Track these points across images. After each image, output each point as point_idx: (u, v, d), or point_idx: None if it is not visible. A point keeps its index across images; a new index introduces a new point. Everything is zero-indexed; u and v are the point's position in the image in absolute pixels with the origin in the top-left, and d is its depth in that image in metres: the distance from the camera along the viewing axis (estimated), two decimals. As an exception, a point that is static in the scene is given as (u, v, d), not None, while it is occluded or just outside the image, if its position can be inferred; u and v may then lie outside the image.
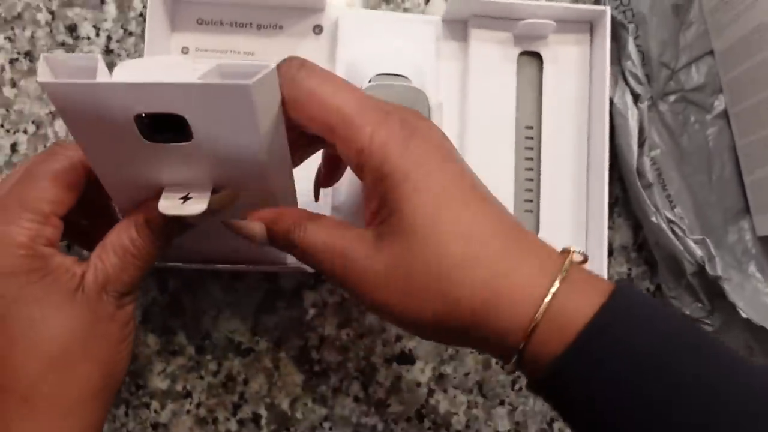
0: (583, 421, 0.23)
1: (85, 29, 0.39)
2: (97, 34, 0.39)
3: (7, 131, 0.39)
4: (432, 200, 0.23)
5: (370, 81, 0.36)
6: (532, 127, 0.40)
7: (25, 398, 0.25)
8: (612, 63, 0.40)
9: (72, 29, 0.39)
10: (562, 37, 0.40)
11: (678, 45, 0.42)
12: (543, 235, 0.39)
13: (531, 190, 0.40)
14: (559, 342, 0.22)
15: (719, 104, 0.42)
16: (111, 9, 0.40)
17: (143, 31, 0.39)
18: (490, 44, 0.40)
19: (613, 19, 0.40)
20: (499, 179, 0.39)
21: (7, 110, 0.39)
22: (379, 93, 0.33)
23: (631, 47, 0.39)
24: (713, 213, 0.41)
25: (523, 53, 0.40)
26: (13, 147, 0.39)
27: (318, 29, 0.39)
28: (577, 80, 0.41)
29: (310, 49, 0.39)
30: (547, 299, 0.22)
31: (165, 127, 0.22)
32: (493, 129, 0.39)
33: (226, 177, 0.25)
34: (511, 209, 0.39)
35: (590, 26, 0.40)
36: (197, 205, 0.24)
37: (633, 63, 0.39)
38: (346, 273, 0.24)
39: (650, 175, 0.39)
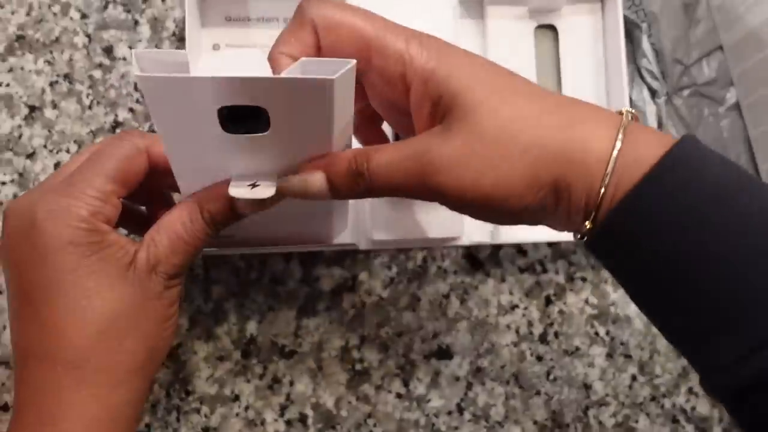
0: (647, 261, 0.24)
1: (121, 50, 0.41)
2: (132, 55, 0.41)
3: (50, 151, 0.40)
4: (487, 77, 0.25)
5: None
6: None
7: (76, 367, 0.26)
8: (628, 61, 0.41)
9: (108, 51, 0.41)
10: (575, 7, 0.42)
11: (689, 41, 0.43)
12: None
13: None
14: (633, 179, 0.23)
15: (731, 97, 0.44)
16: (144, 29, 0.41)
17: (177, 48, 0.41)
18: (507, 20, 0.41)
19: (627, 19, 0.41)
20: None
21: (49, 131, 0.40)
22: None
23: (646, 45, 0.41)
24: (731, 201, 0.43)
25: (539, 26, 0.42)
26: (57, 166, 0.40)
27: None
28: (593, 47, 0.42)
29: None
30: (619, 142, 0.23)
31: (243, 118, 0.24)
32: None
33: (293, 165, 0.26)
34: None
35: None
36: (266, 190, 0.26)
37: (648, 60, 0.41)
38: (425, 172, 0.25)
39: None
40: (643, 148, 0.23)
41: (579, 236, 0.26)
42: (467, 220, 0.40)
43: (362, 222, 0.39)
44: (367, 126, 0.33)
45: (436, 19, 0.41)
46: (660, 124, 0.40)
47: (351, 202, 0.34)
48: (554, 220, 0.26)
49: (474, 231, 0.41)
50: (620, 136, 0.23)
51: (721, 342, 0.23)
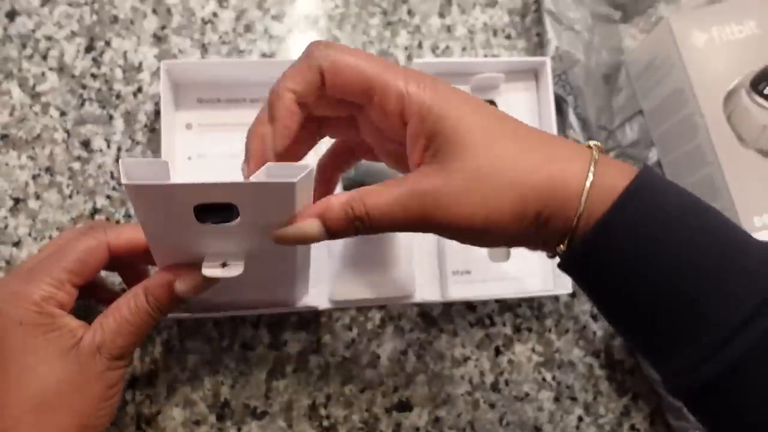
0: (612, 280, 0.27)
1: (98, 143, 0.45)
2: (108, 146, 0.45)
3: (35, 239, 0.44)
4: (479, 118, 0.28)
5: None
6: None
7: None
8: (558, 132, 0.46)
9: (86, 144, 0.45)
10: (512, 85, 0.47)
11: (612, 108, 0.48)
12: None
13: None
14: (602, 208, 0.26)
15: (653, 156, 0.48)
16: (119, 123, 0.45)
17: (149, 140, 0.45)
18: None
19: (555, 94, 0.46)
20: None
21: (33, 220, 0.44)
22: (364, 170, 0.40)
23: (572, 118, 0.45)
24: (659, 250, 0.47)
25: None
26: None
27: None
28: (529, 119, 0.46)
29: None
30: (591, 175, 0.27)
31: (215, 209, 0.28)
32: None
33: (258, 247, 0.30)
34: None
35: (535, 74, 0.47)
36: (236, 269, 0.30)
37: (574, 131, 0.45)
38: (426, 209, 0.28)
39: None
40: (610, 180, 0.27)
41: (552, 256, 0.30)
42: (418, 279, 0.44)
43: (322, 285, 0.43)
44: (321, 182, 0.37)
45: None
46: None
47: (311, 266, 0.38)
48: (533, 243, 0.30)
49: (426, 289, 0.45)
50: (591, 169, 0.27)
51: (679, 351, 0.26)
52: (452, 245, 0.45)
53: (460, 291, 0.44)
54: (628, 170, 0.28)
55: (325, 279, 0.43)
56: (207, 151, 0.44)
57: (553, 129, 0.44)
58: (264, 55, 0.47)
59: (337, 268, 0.43)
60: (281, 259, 0.33)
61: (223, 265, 0.30)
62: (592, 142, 0.29)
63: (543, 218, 0.27)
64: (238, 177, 0.30)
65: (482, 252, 0.45)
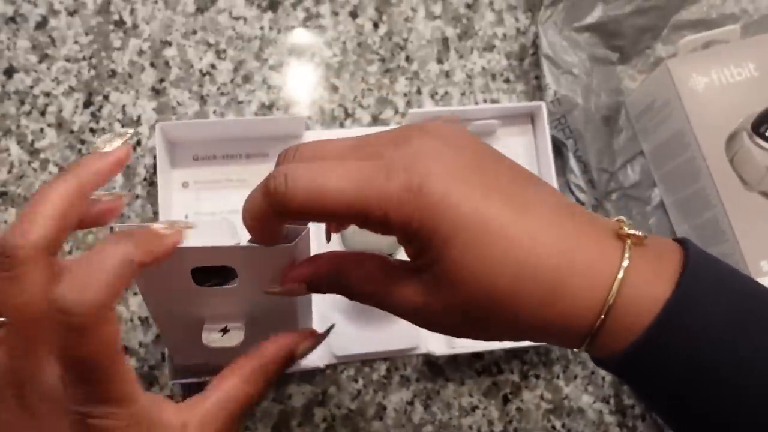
0: (662, 397, 0.23)
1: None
2: (108, 201, 0.45)
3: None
4: (468, 236, 0.22)
5: None
6: None
7: None
8: (558, 176, 0.46)
9: (85, 199, 0.45)
10: (509, 129, 0.47)
11: (613, 150, 0.48)
12: None
13: None
14: (635, 324, 0.22)
15: (656, 196, 0.48)
16: (118, 177, 0.45)
17: (148, 194, 0.45)
18: None
19: (554, 138, 0.46)
20: None
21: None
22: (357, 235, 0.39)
23: (572, 162, 0.45)
24: (665, 292, 0.47)
25: None
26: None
27: None
28: (527, 163, 0.46)
29: None
30: (615, 286, 0.22)
31: (214, 272, 0.27)
32: None
33: (258, 306, 0.30)
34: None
35: (531, 118, 0.47)
36: (236, 338, 0.30)
37: (575, 175, 0.45)
38: (404, 313, 0.25)
39: (605, 269, 0.45)
40: (645, 286, 0.22)
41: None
42: (423, 330, 0.44)
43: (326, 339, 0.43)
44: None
45: None
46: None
47: (314, 320, 0.37)
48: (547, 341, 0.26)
49: (431, 340, 0.44)
50: (619, 279, 0.22)
51: None
52: None
53: (465, 341, 0.44)
54: (669, 269, 0.23)
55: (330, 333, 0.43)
56: (204, 209, 0.44)
57: (552, 173, 0.44)
58: (263, 105, 0.47)
59: (340, 322, 0.43)
60: (282, 314, 0.32)
61: (224, 331, 0.30)
62: (626, 228, 0.24)
63: (554, 329, 0.24)
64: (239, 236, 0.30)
65: None
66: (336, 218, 0.24)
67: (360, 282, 0.26)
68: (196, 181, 0.45)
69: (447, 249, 0.23)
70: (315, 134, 0.46)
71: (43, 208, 0.25)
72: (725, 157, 0.42)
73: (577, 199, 0.45)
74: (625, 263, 0.22)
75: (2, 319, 0.24)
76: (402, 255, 0.26)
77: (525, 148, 0.46)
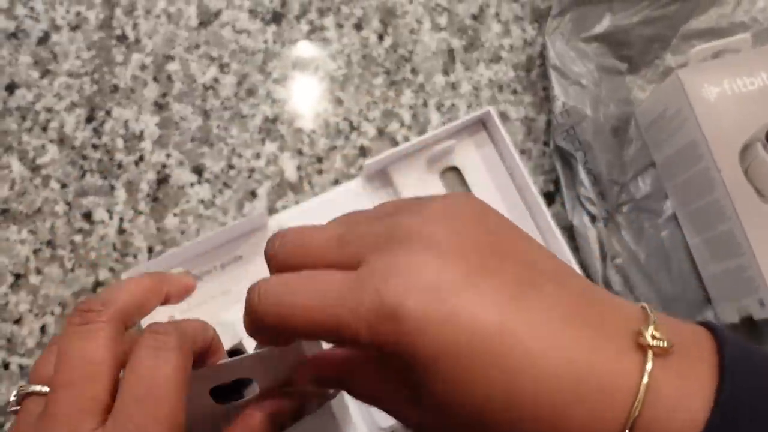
0: None
1: (99, 214, 0.44)
2: (111, 217, 0.44)
3: (36, 315, 0.43)
4: (450, 362, 0.20)
5: None
6: None
7: None
8: (568, 188, 0.45)
9: (87, 216, 0.44)
10: (464, 144, 0.45)
11: (623, 161, 0.47)
12: None
13: None
14: None
15: (668, 208, 0.47)
16: (121, 193, 0.44)
17: (152, 209, 0.44)
18: (413, 177, 0.44)
19: (563, 150, 0.45)
20: None
21: (34, 296, 0.43)
22: None
23: (582, 174, 0.44)
24: (678, 306, 0.46)
25: (444, 171, 0.45)
26: (42, 329, 0.42)
27: None
28: (493, 172, 0.45)
29: None
30: (636, 410, 0.19)
31: (232, 385, 0.27)
32: None
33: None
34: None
35: (484, 127, 0.45)
36: None
37: (585, 188, 0.44)
38: (406, 425, 0.24)
39: (616, 283, 0.44)
40: (673, 406, 0.19)
41: None
42: None
43: (366, 413, 0.41)
44: None
45: (351, 206, 0.43)
46: (602, 246, 0.43)
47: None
48: None
49: None
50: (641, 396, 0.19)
51: None
52: None
53: None
54: (699, 376, 0.20)
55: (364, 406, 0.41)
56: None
57: (526, 177, 0.43)
58: (267, 119, 0.46)
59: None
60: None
61: None
62: (646, 336, 0.20)
63: None
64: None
65: None
66: (310, 337, 0.24)
67: (362, 390, 0.25)
68: (182, 311, 0.42)
69: (427, 376, 0.20)
70: (278, 218, 0.44)
71: (126, 289, 0.28)
72: (739, 168, 0.41)
73: (588, 212, 0.44)
74: (645, 379, 0.19)
75: (45, 389, 0.25)
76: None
77: (486, 159, 0.45)
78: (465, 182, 0.45)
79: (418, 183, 0.44)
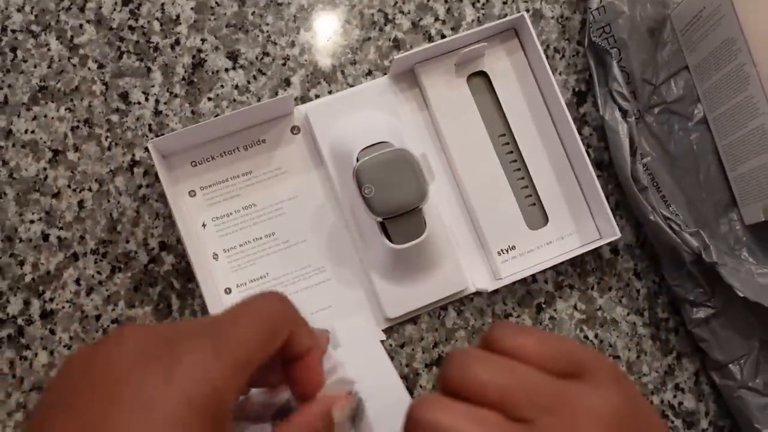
0: None
1: (136, 95, 0.45)
2: (146, 99, 0.45)
3: (74, 190, 0.44)
4: None
5: (357, 159, 0.39)
6: (504, 134, 0.45)
7: None
8: (600, 85, 0.45)
9: (124, 96, 0.45)
10: (495, 50, 0.45)
11: (657, 63, 0.47)
12: (552, 222, 0.44)
13: (527, 187, 0.45)
14: None
15: (699, 112, 0.47)
16: (157, 75, 0.45)
17: (187, 93, 0.45)
18: (440, 80, 0.44)
19: (598, 46, 0.45)
20: (497, 188, 0.44)
21: (72, 172, 0.44)
22: (372, 165, 0.38)
23: (616, 70, 0.44)
24: (705, 208, 0.46)
25: (470, 75, 0.45)
26: (80, 204, 0.43)
27: (295, 130, 0.44)
28: (522, 79, 0.45)
29: (295, 149, 0.44)
30: None
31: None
32: (473, 149, 0.44)
33: None
34: (515, 209, 0.44)
35: (515, 33, 0.45)
36: None
37: (619, 84, 0.44)
38: None
39: (644, 180, 0.44)
40: None
41: None
42: (466, 270, 0.44)
43: (374, 305, 0.43)
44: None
45: (378, 103, 0.44)
46: (632, 141, 0.44)
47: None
48: None
49: (477, 277, 0.44)
50: None
51: None
52: (489, 225, 0.44)
53: (510, 268, 0.44)
54: None
55: (377, 298, 0.43)
56: (218, 211, 0.43)
57: (553, 84, 0.43)
58: (302, 8, 0.46)
59: (383, 286, 0.43)
60: None
61: None
62: None
63: None
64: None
65: (521, 222, 0.44)
66: None
67: None
68: (202, 187, 0.43)
69: None
70: (304, 108, 0.44)
71: None
72: (776, 63, 0.41)
73: (620, 108, 0.44)
74: None
75: None
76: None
77: (517, 67, 0.45)
78: (493, 88, 0.45)
79: (445, 85, 0.44)
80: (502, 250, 0.44)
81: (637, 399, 0.24)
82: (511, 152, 0.45)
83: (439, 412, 0.22)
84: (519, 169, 0.45)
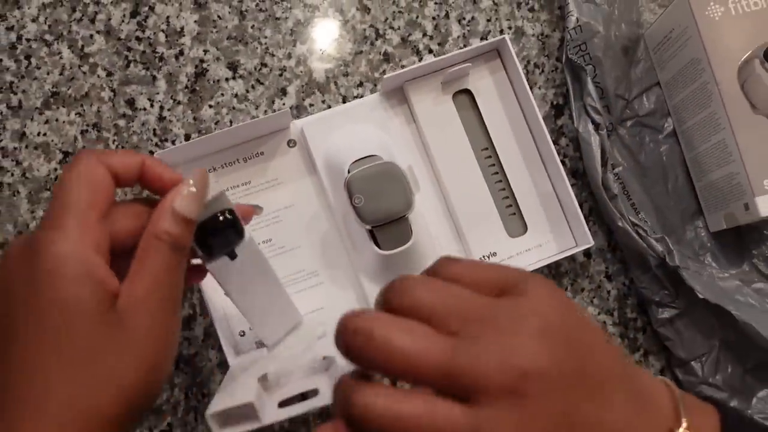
0: None
1: (141, 102, 0.48)
2: (152, 105, 0.48)
3: (82, 190, 0.47)
4: None
5: (348, 171, 0.42)
6: (486, 148, 0.48)
7: None
8: (576, 99, 0.48)
9: (131, 103, 0.48)
10: (479, 69, 0.48)
11: (630, 79, 0.50)
12: (531, 230, 0.47)
13: (507, 197, 0.48)
14: None
15: (669, 125, 0.50)
16: (162, 84, 0.48)
17: (189, 100, 0.48)
18: (428, 97, 0.47)
19: (574, 63, 0.48)
20: (480, 198, 0.47)
21: (81, 173, 0.47)
22: (362, 177, 0.41)
23: (590, 86, 0.48)
24: (673, 215, 0.50)
25: (456, 93, 0.48)
26: (88, 203, 0.47)
27: (291, 143, 0.47)
28: (504, 96, 0.48)
29: (291, 161, 0.47)
30: None
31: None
32: (457, 161, 0.47)
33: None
34: (496, 218, 0.47)
35: (498, 53, 0.48)
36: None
37: (592, 98, 0.47)
38: None
39: (615, 188, 0.47)
40: None
41: None
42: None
43: (364, 306, 0.45)
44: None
45: (369, 118, 0.46)
46: (603, 152, 0.47)
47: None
48: None
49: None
50: None
51: None
52: (472, 233, 0.47)
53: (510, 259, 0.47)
54: None
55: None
56: None
57: (532, 101, 0.46)
58: (299, 22, 0.50)
59: (373, 289, 0.45)
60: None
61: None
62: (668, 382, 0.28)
63: None
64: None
65: (502, 230, 0.47)
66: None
67: None
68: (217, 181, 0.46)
69: None
70: (300, 123, 0.46)
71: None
72: (737, 82, 0.44)
73: (593, 121, 0.47)
74: None
75: None
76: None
77: (499, 85, 0.48)
78: (476, 105, 0.48)
79: (432, 103, 0.48)
80: (484, 257, 0.47)
81: (570, 311, 0.25)
82: (493, 165, 0.48)
83: (373, 321, 0.24)
84: (500, 181, 0.48)
